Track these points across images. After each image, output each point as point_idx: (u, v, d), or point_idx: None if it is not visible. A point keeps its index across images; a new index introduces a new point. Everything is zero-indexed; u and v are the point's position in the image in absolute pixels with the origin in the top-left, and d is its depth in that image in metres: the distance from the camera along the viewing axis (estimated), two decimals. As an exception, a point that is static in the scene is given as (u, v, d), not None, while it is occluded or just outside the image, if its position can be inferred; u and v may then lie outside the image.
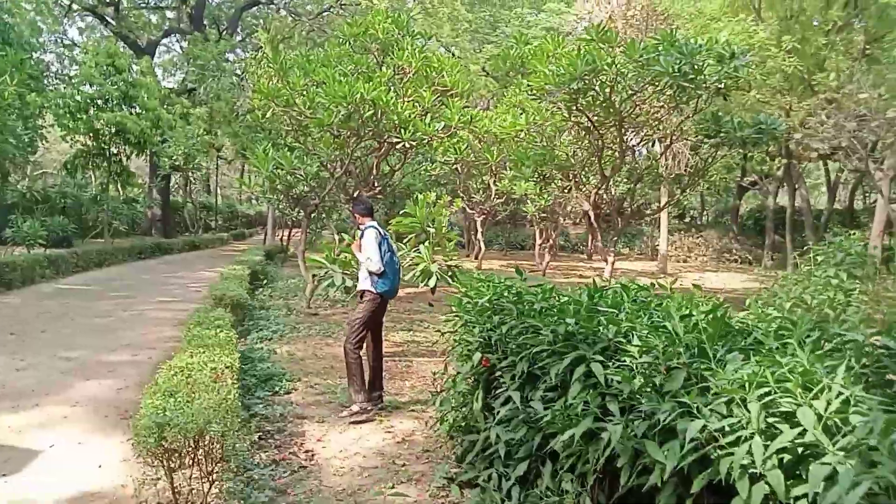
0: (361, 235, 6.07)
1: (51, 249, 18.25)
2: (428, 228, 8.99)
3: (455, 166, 18.97)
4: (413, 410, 5.95)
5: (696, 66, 10.45)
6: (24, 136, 16.86)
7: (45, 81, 23.82)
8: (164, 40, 36.54)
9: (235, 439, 3.84)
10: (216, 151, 34.42)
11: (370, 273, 5.88)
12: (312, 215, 14.38)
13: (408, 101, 11.42)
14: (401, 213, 11.08)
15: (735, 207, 38.07)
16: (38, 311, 10.54)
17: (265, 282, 15.29)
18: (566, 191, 18.48)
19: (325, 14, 33.57)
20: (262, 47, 29.34)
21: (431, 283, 8.06)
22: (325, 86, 10.92)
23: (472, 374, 4.10)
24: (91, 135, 20.11)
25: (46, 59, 28.73)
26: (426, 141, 11.69)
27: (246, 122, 24.31)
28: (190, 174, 31.46)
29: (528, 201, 21.55)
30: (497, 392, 3.96)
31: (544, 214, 22.44)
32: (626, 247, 41.60)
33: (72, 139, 21.58)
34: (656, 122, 14.46)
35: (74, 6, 28.61)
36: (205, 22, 33.23)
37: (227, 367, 4.46)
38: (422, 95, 11.38)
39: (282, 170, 12.45)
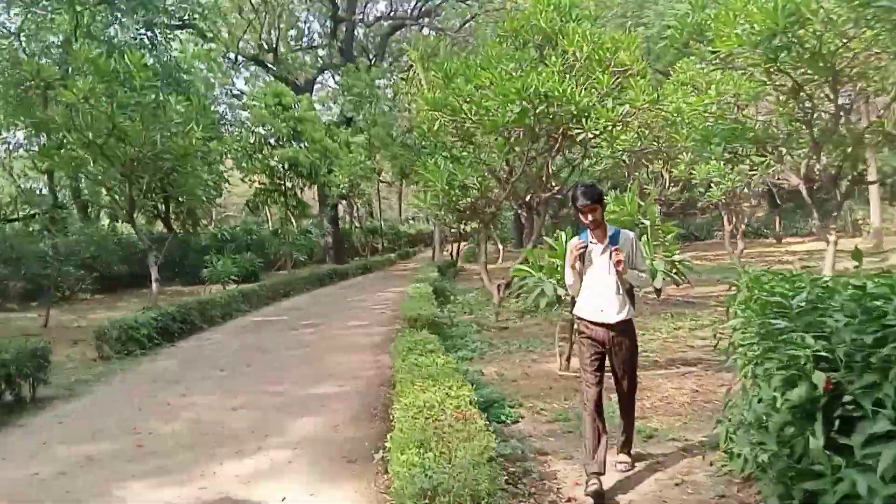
0: (613, 240, 4.21)
1: (242, 285, 19.29)
2: (641, 222, 7.95)
3: (623, 157, 17.57)
4: (674, 440, 4.90)
5: (940, -10, 8.51)
6: (209, 182, 17.98)
7: (221, 130, 25.58)
8: (319, 77, 38.39)
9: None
10: (377, 175, 35.40)
11: (633, 291, 4.45)
12: (490, 225, 13.71)
13: (584, 88, 10.40)
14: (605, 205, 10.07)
15: (949, 165, 32.61)
16: (241, 346, 10.73)
17: (445, 298, 14.88)
18: (759, 167, 16.46)
19: (467, 26, 33.46)
20: (411, 67, 29.67)
21: (658, 282, 6.99)
22: (494, 86, 10.23)
23: (806, 400, 3.00)
24: (267, 172, 21.10)
25: (220, 110, 31.03)
26: (609, 127, 10.61)
27: (403, 142, 24.53)
28: (355, 200, 32.50)
29: (713, 185, 19.49)
30: (835, 418, 2.87)
31: (728, 198, 20.25)
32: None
33: (249, 179, 22.82)
34: (875, 72, 12.26)
35: (240, 57, 30.71)
36: (354, 53, 34.41)
37: (469, 403, 3.73)
38: (599, 79, 10.30)
39: (455, 181, 11.94)
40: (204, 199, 20.65)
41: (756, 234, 35.68)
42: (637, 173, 23.28)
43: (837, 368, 3.00)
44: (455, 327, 10.83)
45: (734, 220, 21.18)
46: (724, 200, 20.84)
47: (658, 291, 7.50)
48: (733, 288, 4.30)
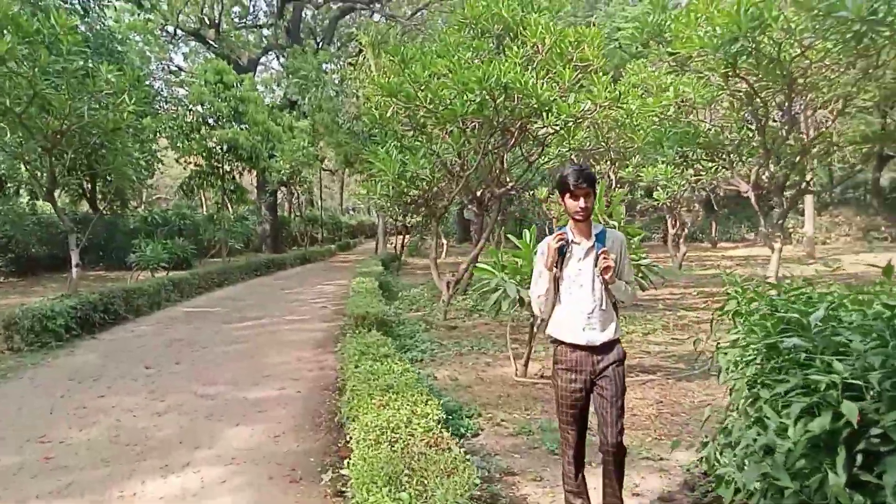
0: (599, 240, 3.47)
1: (172, 272, 18.21)
2: (608, 223, 7.61)
3: (572, 156, 17.45)
4: (647, 458, 4.56)
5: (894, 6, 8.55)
6: (141, 161, 16.81)
7: (156, 107, 24.14)
8: (263, 58, 36.98)
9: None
10: (320, 163, 34.41)
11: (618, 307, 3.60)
12: (439, 219, 13.25)
13: (545, 82, 10.05)
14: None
15: (875, 180, 34.11)
16: (170, 339, 9.93)
17: (390, 294, 14.34)
18: (707, 172, 16.59)
19: (419, 14, 32.81)
20: (360, 52, 28.79)
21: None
22: (453, 74, 9.76)
23: (827, 431, 2.66)
24: (204, 154, 20.00)
25: (156, 86, 29.42)
26: (570, 123, 10.31)
27: (350, 129, 23.77)
28: (296, 188, 31.41)
29: (658, 188, 19.61)
30: (858, 452, 2.55)
31: (672, 202, 20.47)
32: (749, 231, 38.42)
33: (185, 161, 21.63)
34: (827, 83, 12.44)
35: (179, 31, 29.16)
36: (301, 35, 33.25)
37: (438, 423, 3.26)
38: (560, 73, 9.97)
39: (407, 172, 11.42)
40: (134, 178, 19.40)
41: (692, 238, 36.43)
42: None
43: (863, 396, 2.68)
44: (402, 325, 10.32)
45: (677, 223, 21.41)
46: (668, 204, 21.09)
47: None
48: (710, 301, 3.97)
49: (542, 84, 9.82)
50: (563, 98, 9.93)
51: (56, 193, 11.04)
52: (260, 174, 27.61)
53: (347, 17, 34.79)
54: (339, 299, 14.81)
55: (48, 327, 9.26)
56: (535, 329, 6.90)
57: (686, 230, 21.43)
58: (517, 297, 6.14)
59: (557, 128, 10.35)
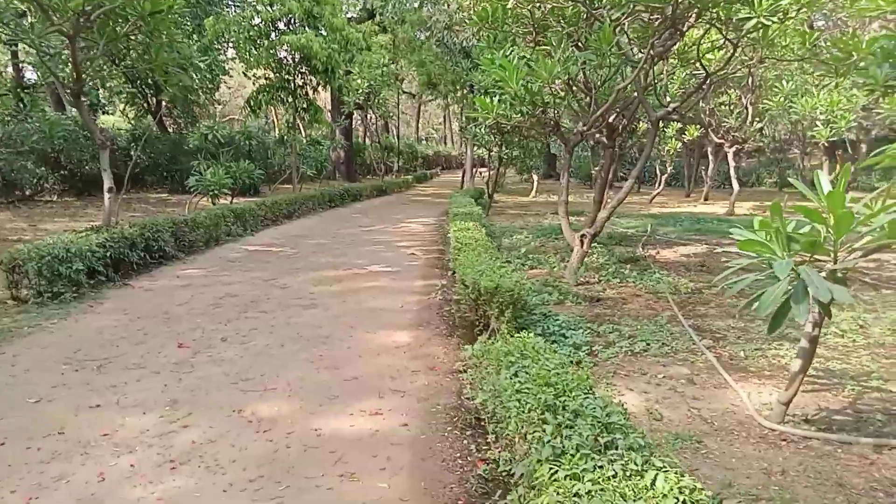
0: None
1: (238, 199, 15.98)
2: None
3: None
4: None
5: None
6: (202, 67, 14.36)
7: (219, 8, 21.48)
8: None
9: None
10: (399, 84, 31.42)
11: None
12: (572, 150, 10.21)
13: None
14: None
15: None
16: (221, 294, 7.51)
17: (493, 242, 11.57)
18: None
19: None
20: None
21: None
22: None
23: None
24: (274, 65, 17.35)
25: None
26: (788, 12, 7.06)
27: (440, 42, 20.60)
28: (372, 110, 28.63)
29: (818, 123, 15.79)
30: None
31: (835, 140, 16.62)
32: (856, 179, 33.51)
33: (254, 76, 19.10)
34: None
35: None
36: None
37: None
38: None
39: (533, 86, 8.42)
40: (195, 87, 17.02)
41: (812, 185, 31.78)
42: (707, 102, 19.34)
43: None
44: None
45: (838, 166, 17.58)
46: (825, 144, 17.29)
47: None
48: None
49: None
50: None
51: (81, 93, 8.56)
52: (335, 93, 24.93)
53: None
54: (429, 244, 12.17)
55: (61, 272, 6.95)
56: (810, 345, 3.98)
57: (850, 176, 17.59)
58: (820, 298, 3.23)
59: (771, 20, 7.07)
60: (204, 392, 4.50)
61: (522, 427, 2.64)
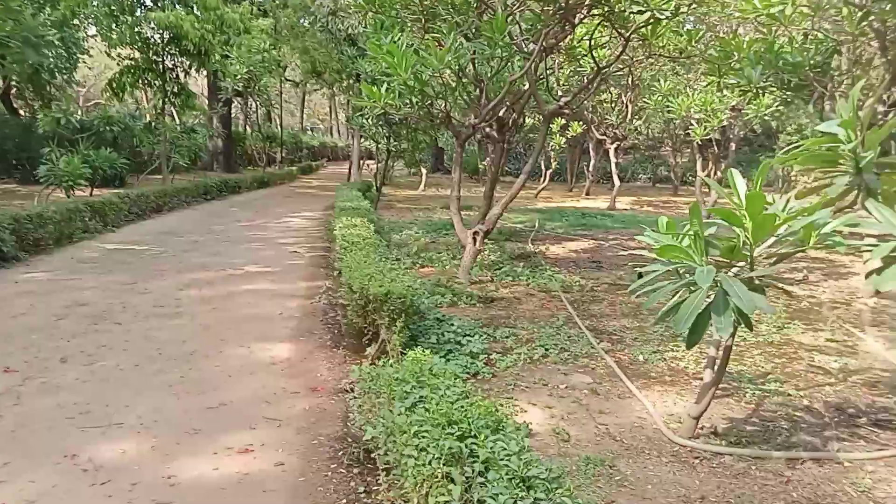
0: None
1: (100, 190, 14.43)
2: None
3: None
4: None
5: None
6: (55, 41, 12.67)
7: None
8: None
9: None
10: (282, 71, 30.03)
11: None
12: (466, 140, 9.82)
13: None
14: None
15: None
16: (69, 303, 6.49)
17: (381, 239, 11.03)
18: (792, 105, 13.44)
19: None
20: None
21: None
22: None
23: None
24: (140, 45, 15.81)
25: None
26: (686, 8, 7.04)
27: (323, 28, 19.69)
28: (253, 98, 27.10)
29: (694, 122, 16.39)
30: None
31: (709, 138, 17.37)
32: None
33: (118, 56, 17.37)
34: None
35: None
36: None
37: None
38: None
39: (422, 74, 7.95)
40: (51, 67, 15.18)
41: (682, 181, 33.67)
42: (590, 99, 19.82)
43: None
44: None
45: (710, 164, 18.41)
46: (699, 143, 18.02)
47: None
48: None
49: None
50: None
51: None
52: (212, 78, 23.32)
53: None
54: (314, 241, 11.45)
55: None
56: (722, 355, 3.75)
57: (718, 173, 18.44)
58: (744, 310, 2.96)
59: (665, 13, 6.99)
60: (29, 432, 3.67)
61: (422, 484, 2.15)
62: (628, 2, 7.06)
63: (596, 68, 8.63)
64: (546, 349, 5.46)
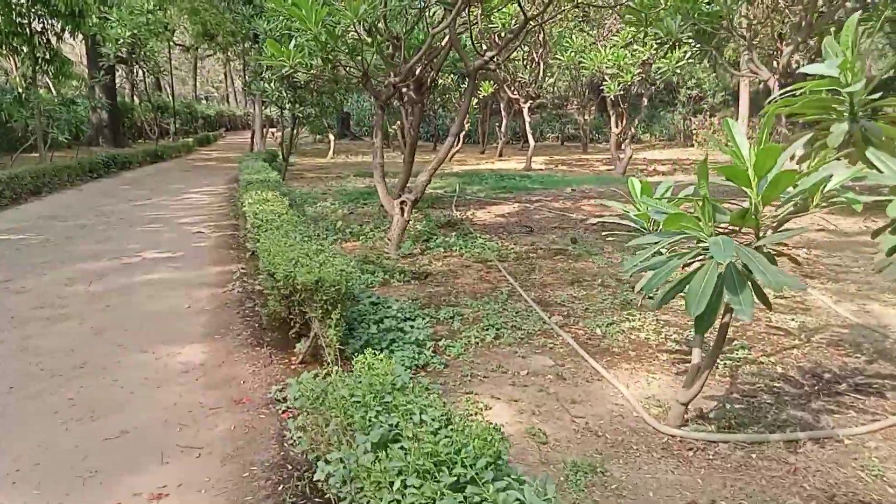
0: None
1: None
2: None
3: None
4: None
5: None
6: None
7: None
8: None
9: None
10: (170, 35, 27.77)
11: None
12: (386, 102, 9.03)
13: None
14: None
15: None
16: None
17: (298, 212, 10.15)
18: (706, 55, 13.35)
19: None
20: None
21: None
22: None
23: None
24: (1, 6, 13.84)
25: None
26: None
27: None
28: (139, 65, 24.85)
29: (607, 77, 16.13)
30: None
31: (623, 94, 17.21)
32: (644, 132, 36.80)
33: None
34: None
35: None
36: None
37: None
38: None
39: (334, 28, 7.12)
40: None
41: (589, 139, 34.07)
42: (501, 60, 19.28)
43: None
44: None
45: (623, 121, 18.37)
46: (612, 98, 17.89)
47: None
48: None
49: None
50: None
51: None
52: (90, 43, 21.13)
53: None
54: (219, 218, 10.43)
55: None
56: (718, 333, 3.30)
57: (632, 129, 18.45)
58: (771, 288, 2.50)
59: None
60: None
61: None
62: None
63: (524, 18, 8.03)
64: (497, 329, 4.93)
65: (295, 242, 5.08)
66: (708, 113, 30.67)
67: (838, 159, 2.95)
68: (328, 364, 4.21)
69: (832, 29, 3.57)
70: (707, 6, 10.64)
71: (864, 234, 8.12)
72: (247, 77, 23.42)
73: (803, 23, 11.07)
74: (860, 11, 11.95)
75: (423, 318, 5.09)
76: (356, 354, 4.25)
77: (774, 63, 11.48)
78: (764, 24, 11.70)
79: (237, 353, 4.53)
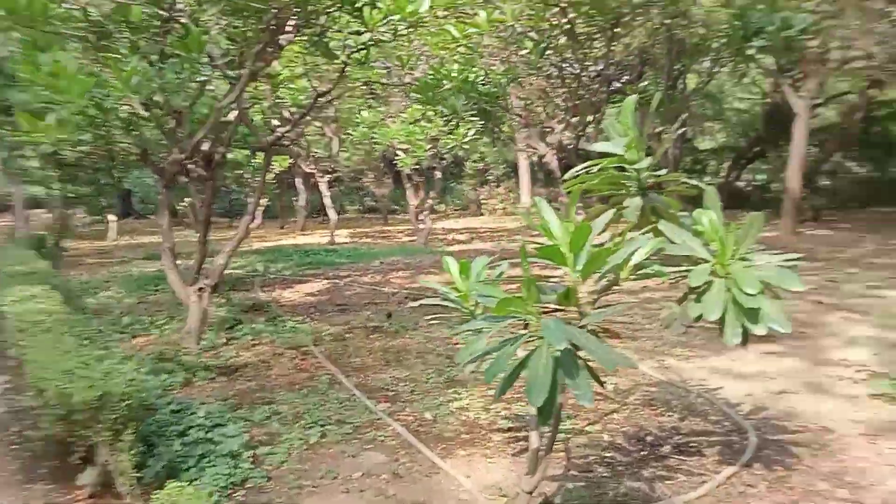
0: None
1: None
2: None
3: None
4: None
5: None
6: None
7: None
8: None
9: None
10: None
11: None
12: (171, 180, 8.28)
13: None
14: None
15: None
16: None
17: (73, 306, 8.86)
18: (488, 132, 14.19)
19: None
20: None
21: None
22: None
23: None
24: None
25: None
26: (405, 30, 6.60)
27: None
28: None
29: (400, 152, 16.57)
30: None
31: (417, 168, 17.78)
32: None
33: None
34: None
35: None
36: None
37: None
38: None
39: (106, 99, 6.48)
40: None
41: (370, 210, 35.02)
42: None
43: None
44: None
45: (421, 192, 18.90)
46: (408, 173, 18.39)
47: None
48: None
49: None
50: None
51: None
52: None
53: None
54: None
55: None
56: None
57: (429, 201, 19.03)
58: (606, 366, 2.50)
59: (384, 36, 6.50)
60: None
61: None
62: (346, 21, 6.50)
63: (315, 94, 7.93)
64: (322, 426, 4.54)
65: (70, 348, 4.33)
66: (494, 184, 32.79)
67: (644, 233, 3.15)
68: (125, 495, 3.57)
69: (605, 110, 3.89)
70: (483, 87, 11.38)
71: (647, 290, 8.94)
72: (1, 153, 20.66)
73: (568, 104, 12.28)
74: (615, 95, 13.47)
75: (236, 423, 4.53)
76: (157, 479, 3.68)
77: (548, 139, 12.59)
78: (535, 105, 12.83)
79: (1, 495, 3.66)
